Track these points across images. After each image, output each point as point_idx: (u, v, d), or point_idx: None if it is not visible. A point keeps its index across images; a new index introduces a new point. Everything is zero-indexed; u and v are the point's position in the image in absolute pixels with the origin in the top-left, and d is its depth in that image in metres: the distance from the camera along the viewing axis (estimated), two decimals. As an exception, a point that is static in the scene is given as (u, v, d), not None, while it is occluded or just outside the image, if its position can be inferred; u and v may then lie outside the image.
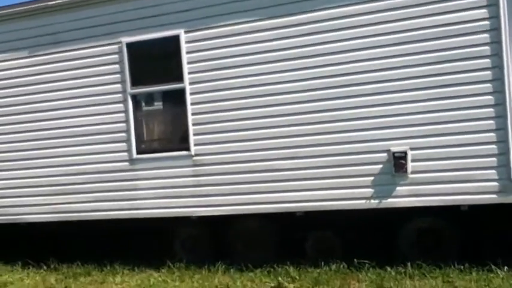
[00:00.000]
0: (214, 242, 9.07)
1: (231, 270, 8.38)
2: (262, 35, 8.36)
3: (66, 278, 9.03)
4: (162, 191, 9.05)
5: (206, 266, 8.51)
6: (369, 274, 7.57)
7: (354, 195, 7.90)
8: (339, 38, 7.90)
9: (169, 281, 8.32)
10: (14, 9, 9.72)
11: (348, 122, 7.89)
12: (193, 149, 8.51)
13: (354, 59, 7.83)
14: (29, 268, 9.72)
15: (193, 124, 8.63)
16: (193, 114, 8.65)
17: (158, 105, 9.20)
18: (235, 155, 8.55)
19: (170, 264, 8.77)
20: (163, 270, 8.75)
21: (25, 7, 9.63)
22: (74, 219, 9.64)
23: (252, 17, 8.44)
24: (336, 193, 8.05)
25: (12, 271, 9.80)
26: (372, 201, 7.84)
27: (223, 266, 8.46)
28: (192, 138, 8.61)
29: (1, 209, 10.09)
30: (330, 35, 7.96)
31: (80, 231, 9.82)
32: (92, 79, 9.46)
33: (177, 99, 8.97)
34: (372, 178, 7.90)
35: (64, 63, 9.64)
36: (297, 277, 7.82)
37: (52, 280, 9.02)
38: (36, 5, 9.60)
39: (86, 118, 9.50)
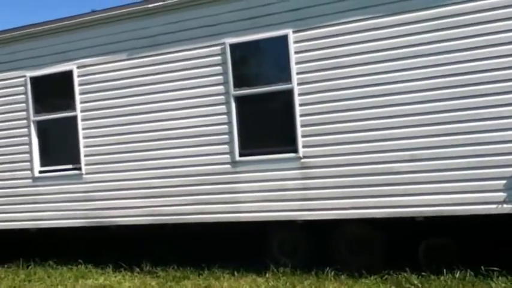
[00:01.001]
0: (314, 246, 8.89)
1: (341, 276, 8.14)
2: (376, 33, 8.22)
3: (166, 281, 8.88)
4: (265, 194, 8.85)
5: (314, 272, 8.34)
6: (499, 282, 7.21)
7: (485, 199, 7.57)
8: (466, 35, 7.76)
9: (280, 286, 8.11)
10: (112, 13, 9.83)
11: (476, 122, 7.70)
12: (301, 151, 8.31)
13: (482, 56, 7.64)
14: (120, 271, 9.71)
15: (302, 125, 8.47)
16: (301, 115, 8.45)
17: (262, 106, 9.03)
18: (347, 157, 8.35)
19: (274, 268, 8.62)
20: (267, 275, 8.53)
21: (123, 10, 9.83)
22: (169, 222, 9.49)
23: (364, 15, 8.33)
24: (461, 197, 7.76)
25: (104, 274, 9.72)
26: (505, 205, 7.40)
27: (333, 272, 8.10)
28: (300, 140, 8.40)
29: (92, 211, 9.74)
30: (455, 31, 7.84)
31: (164, 233, 9.92)
32: (192, 81, 9.40)
33: (283, 100, 8.82)
34: (504, 181, 7.39)
35: (163, 66, 9.63)
36: (419, 285, 7.50)
37: (153, 283, 8.89)
38: (135, 8, 9.71)
39: (186, 120, 9.46)
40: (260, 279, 8.47)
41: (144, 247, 9.91)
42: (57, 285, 9.11)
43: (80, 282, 9.17)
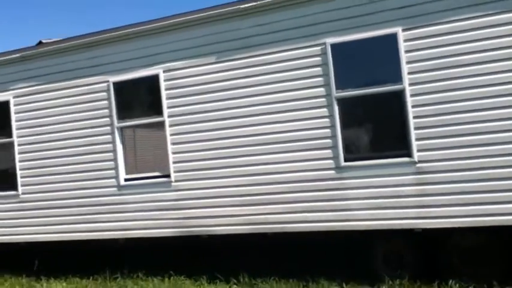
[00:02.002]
0: (423, 256, 8.54)
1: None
2: (490, 31, 7.97)
3: None
4: (376, 201, 8.52)
5: (436, 283, 8.00)
6: None
7: None
8: None
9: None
10: (202, 14, 9.64)
11: None
12: (416, 155, 7.79)
13: None
14: (215, 282, 9.43)
15: (416, 128, 8.01)
16: (415, 117, 8.05)
17: (368, 108, 8.75)
18: (467, 161, 8.08)
19: (390, 280, 8.34)
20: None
21: (214, 11, 9.59)
22: (268, 231, 9.06)
23: (477, 13, 8.06)
24: None
25: (199, 285, 9.50)
26: None
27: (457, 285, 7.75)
28: (414, 144, 8.07)
29: (183, 220, 9.33)
30: None
31: (259, 243, 9.58)
32: (290, 83, 9.09)
33: (393, 101, 8.46)
34: None
35: (256, 68, 9.32)
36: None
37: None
38: (226, 10, 9.47)
39: (284, 124, 9.09)
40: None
41: (237, 257, 9.63)
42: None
43: None
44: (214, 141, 9.51)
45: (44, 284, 10.22)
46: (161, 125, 9.87)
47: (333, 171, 8.74)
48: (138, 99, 9.70)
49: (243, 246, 9.45)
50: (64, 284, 9.83)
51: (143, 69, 9.86)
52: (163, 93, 9.59)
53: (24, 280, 10.40)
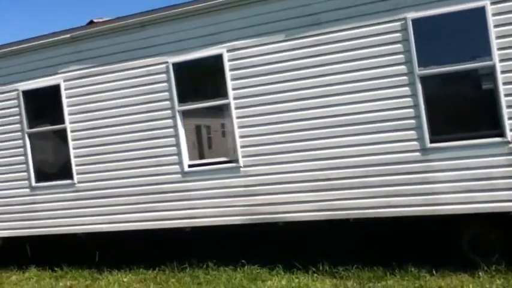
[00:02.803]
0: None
1: None
2: None
3: (363, 282, 8.35)
4: (466, 184, 8.10)
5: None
6: None
7: None
8: None
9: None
10: None
11: None
12: (509, 135, 7.35)
13: None
14: (292, 271, 9.11)
15: (508, 106, 7.73)
16: (506, 95, 7.69)
17: (455, 86, 8.28)
18: None
19: (487, 268, 7.91)
20: (479, 274, 7.84)
21: None
22: (348, 217, 8.78)
23: None
24: None
25: (276, 275, 9.22)
26: None
27: None
28: (507, 123, 7.72)
29: (254, 207, 8.91)
30: None
31: (334, 228, 9.16)
32: (366, 61, 8.58)
33: (482, 78, 8.03)
34: None
35: (328, 46, 8.80)
36: None
37: (349, 284, 8.29)
38: None
39: (361, 105, 8.59)
40: (468, 279, 7.86)
41: (314, 245, 9.29)
42: (239, 286, 8.57)
43: (258, 285, 8.65)
44: (284, 123, 9.05)
45: (109, 277, 10.02)
46: (226, 107, 9.27)
47: (417, 153, 8.34)
48: (200, 81, 9.08)
49: (320, 233, 9.04)
50: (130, 275, 9.27)
51: (205, 49, 9.44)
52: (228, 74, 9.16)
53: (85, 272, 9.78)
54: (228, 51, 9.13)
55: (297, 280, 8.48)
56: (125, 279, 9.41)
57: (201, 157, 9.38)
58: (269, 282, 8.50)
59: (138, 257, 10.19)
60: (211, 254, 9.62)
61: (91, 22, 10.45)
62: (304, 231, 9.06)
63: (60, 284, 9.54)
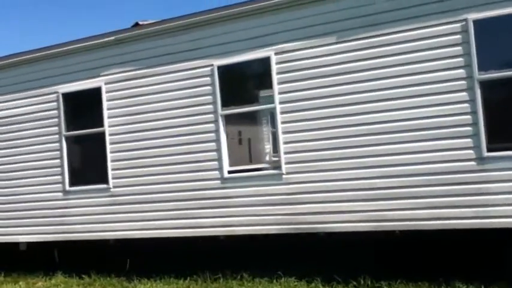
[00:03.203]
0: None
1: None
2: None
3: None
4: (525, 196, 6.80)
5: None
6: None
7: None
8: None
9: None
10: None
11: None
12: None
13: None
14: (331, 284, 8.64)
15: None
16: None
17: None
18: None
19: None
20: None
21: None
22: (396, 228, 8.22)
23: None
24: None
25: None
26: None
27: None
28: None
29: (296, 216, 8.60)
30: None
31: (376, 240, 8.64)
32: (423, 65, 8.26)
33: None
34: None
35: (382, 49, 8.53)
36: None
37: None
38: None
39: (414, 110, 8.22)
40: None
41: (356, 257, 8.79)
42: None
43: None
44: (332, 129, 8.71)
45: (139, 286, 9.71)
46: (271, 112, 8.98)
47: (473, 163, 7.89)
48: (246, 85, 8.73)
49: (362, 245, 8.58)
50: (161, 285, 8.75)
51: (252, 52, 9.13)
52: (275, 78, 8.63)
53: (114, 280, 9.29)
54: (276, 53, 8.80)
55: None
56: None
57: (242, 163, 8.79)
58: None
59: (169, 265, 9.90)
60: (246, 265, 9.24)
61: (136, 24, 10.19)
62: (345, 243, 8.69)
63: None
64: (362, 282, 8.20)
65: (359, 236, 8.36)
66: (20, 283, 10.39)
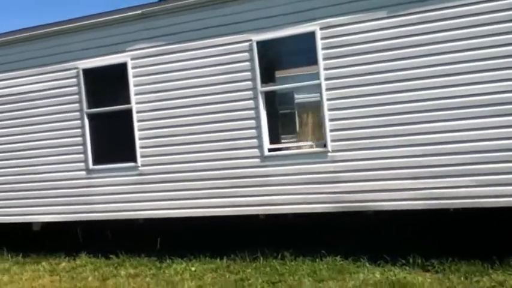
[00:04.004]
0: None
1: None
2: None
3: (467, 278, 7.62)
4: None
5: None
6: None
7: None
8: None
9: None
10: None
11: None
12: None
13: None
14: (378, 264, 8.53)
15: None
16: None
17: None
18: None
19: None
20: None
21: None
22: (448, 206, 8.44)
23: None
24: None
25: (360, 266, 8.63)
26: None
27: None
28: None
29: (341, 195, 8.70)
30: None
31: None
32: (481, 40, 8.18)
33: None
34: None
35: (437, 24, 8.44)
36: None
37: (453, 278, 7.69)
38: None
39: (471, 87, 8.15)
40: None
41: (406, 236, 8.83)
42: (329, 279, 8.11)
43: (347, 278, 8.11)
44: (381, 106, 8.61)
45: (174, 265, 9.53)
46: (316, 88, 8.79)
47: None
48: (287, 60, 8.35)
49: (410, 224, 8.62)
50: (197, 265, 8.48)
51: (294, 26, 9.01)
52: (320, 53, 8.43)
53: (145, 260, 8.98)
54: (321, 28, 8.50)
55: (391, 273, 7.57)
56: (193, 268, 8.54)
57: (283, 141, 8.46)
58: (361, 275, 8.04)
59: (202, 245, 9.77)
60: (287, 244, 9.16)
61: (165, -3, 9.74)
62: (394, 221, 8.62)
63: (122, 272, 8.69)
64: (411, 260, 8.12)
65: (409, 215, 8.35)
66: (43, 263, 10.25)
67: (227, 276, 8.24)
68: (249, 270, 8.42)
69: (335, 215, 8.65)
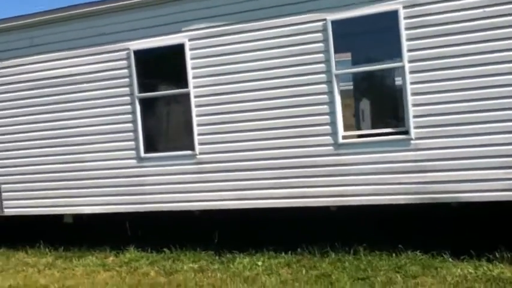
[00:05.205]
0: None
1: None
2: None
3: None
4: None
5: None
6: None
7: None
8: None
9: None
10: None
11: None
12: None
13: None
14: (463, 259, 8.08)
15: None
16: None
17: None
18: None
19: None
20: None
21: None
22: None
23: None
24: None
25: (443, 261, 8.10)
26: None
27: None
28: None
29: (426, 185, 8.31)
30: None
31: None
32: None
33: None
34: None
35: None
36: None
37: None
38: None
39: None
40: None
41: (481, 228, 8.38)
42: (419, 275, 7.58)
43: (435, 273, 7.66)
44: (472, 91, 8.05)
45: (237, 259, 8.94)
46: (397, 71, 8.21)
47: None
48: (365, 42, 7.76)
49: (501, 216, 8.13)
50: (263, 259, 7.83)
51: (373, 5, 8.48)
52: (403, 34, 7.85)
53: (203, 254, 8.26)
54: (404, 7, 7.98)
55: (485, 268, 6.94)
56: (259, 263, 7.87)
57: (359, 128, 7.91)
58: (454, 270, 7.59)
59: (265, 238, 9.22)
60: (361, 238, 8.65)
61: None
62: (480, 214, 8.24)
63: (185, 266, 7.92)
64: (497, 255, 7.65)
65: (497, 207, 7.79)
66: (90, 257, 9.89)
67: (303, 272, 7.40)
68: (324, 265, 7.75)
69: (413, 206, 8.15)
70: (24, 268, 8.85)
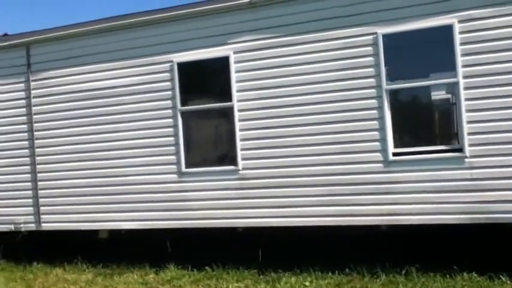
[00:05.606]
0: None
1: None
2: None
3: None
4: None
5: None
6: None
7: None
8: None
9: None
10: None
11: None
12: None
13: None
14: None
15: None
16: None
17: None
18: None
19: None
20: None
21: None
22: None
23: None
24: None
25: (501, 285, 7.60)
26: None
27: None
28: None
29: (481, 205, 8.11)
30: None
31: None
32: None
33: None
34: None
35: None
36: None
37: None
38: None
39: None
40: None
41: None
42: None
43: None
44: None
45: (287, 280, 8.70)
46: (451, 87, 8.25)
47: None
48: (415, 55, 7.62)
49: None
50: (310, 280, 7.68)
51: (428, 19, 8.33)
52: (458, 49, 7.68)
53: (246, 273, 7.96)
54: (460, 21, 7.69)
55: None
56: (307, 283, 7.63)
57: (409, 144, 7.71)
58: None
59: (310, 257, 8.96)
60: (412, 258, 8.41)
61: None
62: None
63: (230, 286, 7.60)
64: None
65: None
66: (130, 275, 9.67)
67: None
68: (376, 286, 7.38)
69: (467, 226, 7.82)
70: (65, 285, 8.60)
